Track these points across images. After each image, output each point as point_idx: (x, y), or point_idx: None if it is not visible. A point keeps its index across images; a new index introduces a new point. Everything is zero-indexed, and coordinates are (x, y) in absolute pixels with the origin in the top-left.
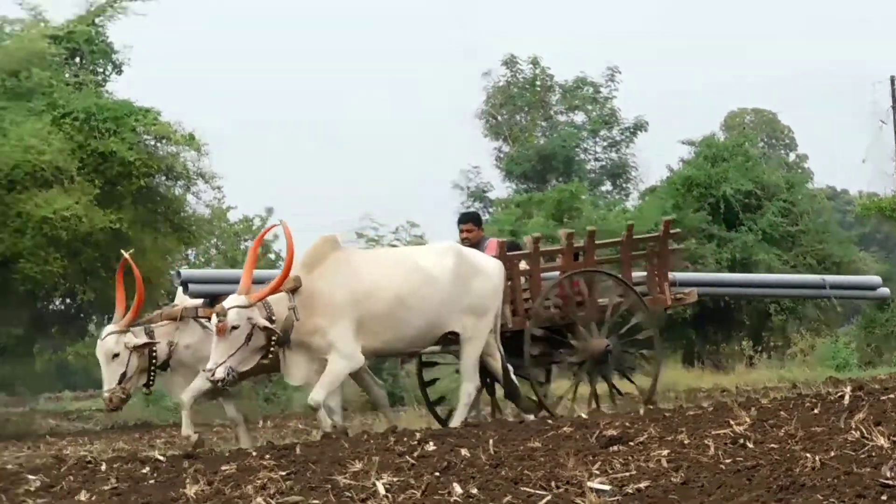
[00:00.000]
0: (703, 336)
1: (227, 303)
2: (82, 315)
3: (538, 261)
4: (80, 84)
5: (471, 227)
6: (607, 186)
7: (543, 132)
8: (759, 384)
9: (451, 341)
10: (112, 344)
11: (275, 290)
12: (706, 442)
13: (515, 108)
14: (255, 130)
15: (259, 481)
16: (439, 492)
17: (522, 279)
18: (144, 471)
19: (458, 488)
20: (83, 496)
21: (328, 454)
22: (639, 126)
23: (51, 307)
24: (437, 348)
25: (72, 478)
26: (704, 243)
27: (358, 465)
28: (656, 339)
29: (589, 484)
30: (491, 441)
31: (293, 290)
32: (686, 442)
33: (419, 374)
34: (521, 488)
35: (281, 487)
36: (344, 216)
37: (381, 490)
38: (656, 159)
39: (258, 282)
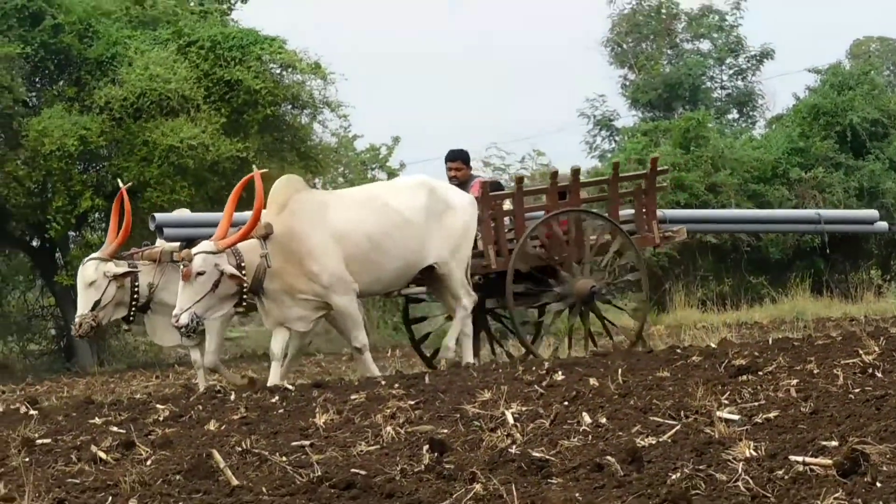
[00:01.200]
0: (832, 265)
1: (194, 249)
2: None
3: (521, 201)
4: (205, 13)
5: (459, 164)
6: (734, 115)
7: (669, 60)
8: (888, 313)
9: (434, 282)
10: (91, 271)
11: (244, 237)
12: (835, 371)
13: (641, 36)
14: (381, 60)
15: (388, 410)
16: (568, 421)
17: (507, 219)
18: (273, 400)
19: (586, 418)
20: (212, 425)
21: (457, 383)
22: (765, 54)
23: None
24: (421, 289)
25: (200, 407)
26: (832, 172)
27: (487, 395)
28: (644, 279)
29: (718, 413)
30: (619, 370)
31: (265, 237)
32: (815, 371)
33: (405, 311)
34: (650, 418)
35: (410, 416)
36: (470, 145)
37: (510, 419)
38: (783, 88)
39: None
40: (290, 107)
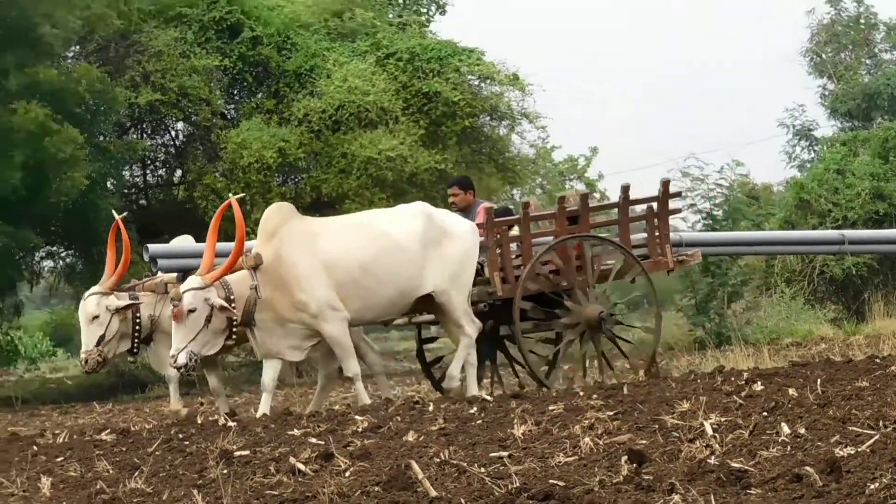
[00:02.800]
0: None
1: (182, 287)
2: None
3: (528, 226)
4: (403, 24)
5: (455, 190)
6: None
7: (868, 70)
8: None
9: (436, 311)
10: (93, 306)
11: (229, 269)
12: None
13: (840, 46)
14: (579, 71)
15: (587, 421)
16: (767, 432)
17: (514, 245)
18: (472, 411)
19: (785, 428)
20: (410, 436)
21: (655, 394)
22: None
23: None
24: (430, 317)
25: (399, 418)
26: None
27: (685, 405)
28: (656, 305)
29: None
30: (818, 381)
31: (255, 268)
32: None
33: (418, 335)
34: (849, 428)
35: (608, 427)
36: (668, 155)
37: (709, 430)
38: None
39: (224, 254)
40: (488, 118)
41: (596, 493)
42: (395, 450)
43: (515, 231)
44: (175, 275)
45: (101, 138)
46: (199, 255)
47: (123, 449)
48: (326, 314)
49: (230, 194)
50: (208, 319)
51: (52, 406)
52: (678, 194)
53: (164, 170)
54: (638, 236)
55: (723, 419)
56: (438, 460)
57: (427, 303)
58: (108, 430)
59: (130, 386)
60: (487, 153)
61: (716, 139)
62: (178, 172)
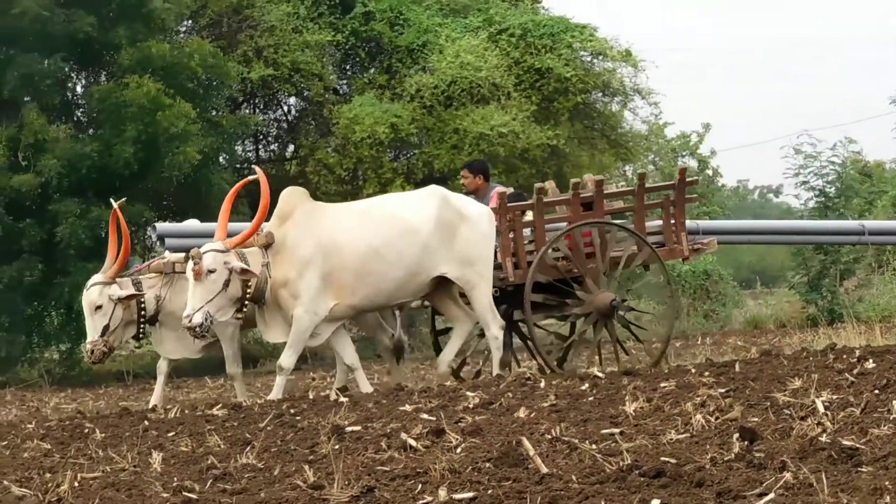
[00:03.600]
0: None
1: (204, 247)
2: None
3: (542, 212)
4: (515, 1)
5: (465, 173)
6: None
7: None
8: None
9: (440, 295)
10: (96, 295)
11: (247, 238)
12: None
13: None
14: (692, 47)
15: (698, 398)
16: (878, 409)
17: (527, 231)
18: (583, 387)
19: None
20: (522, 413)
21: (767, 371)
22: None
23: None
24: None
25: (510, 394)
26: None
27: (797, 383)
28: (670, 293)
29: None
30: None
31: (267, 247)
32: None
33: (432, 322)
34: None
35: (720, 405)
36: (781, 132)
37: (820, 408)
38: None
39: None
40: (600, 94)
41: (707, 470)
42: (506, 426)
43: (530, 216)
44: (182, 255)
45: (214, 113)
46: (206, 235)
47: (235, 424)
48: (305, 298)
49: (255, 167)
50: (226, 283)
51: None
52: (695, 182)
53: (276, 145)
54: (654, 224)
55: (834, 397)
56: (550, 437)
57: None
58: (220, 405)
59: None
60: (600, 129)
61: (829, 116)
62: (291, 147)
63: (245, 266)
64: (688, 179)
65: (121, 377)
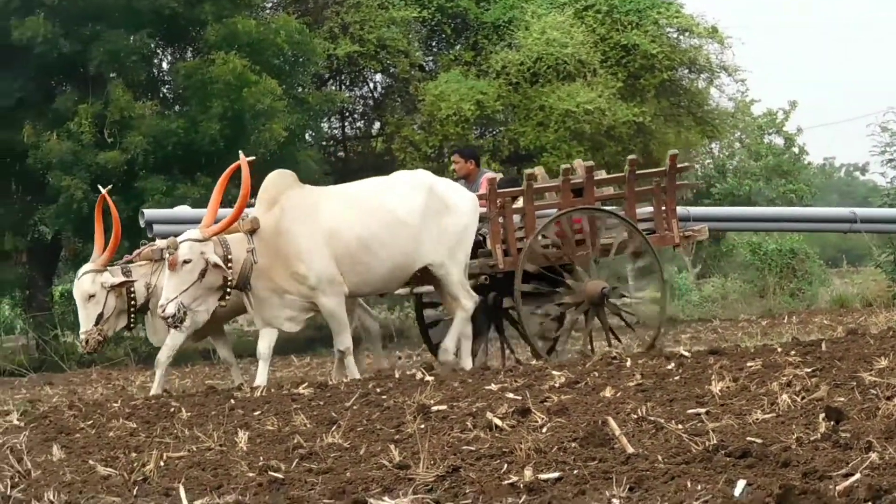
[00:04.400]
0: None
1: (181, 237)
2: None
3: (532, 198)
4: None
5: (457, 158)
6: None
7: None
8: None
9: (435, 283)
10: (88, 284)
11: (229, 225)
12: None
13: None
14: (779, 24)
15: (784, 378)
16: None
17: (517, 217)
18: (669, 367)
19: None
20: (608, 392)
21: (853, 351)
22: None
23: None
24: (430, 288)
25: (596, 374)
26: None
27: (883, 362)
28: (660, 280)
29: None
30: None
31: (252, 232)
32: None
33: (418, 314)
34: None
35: (806, 384)
36: (867, 109)
37: None
38: None
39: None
40: (686, 71)
41: (793, 450)
42: (592, 406)
43: (520, 202)
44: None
45: (300, 90)
46: (194, 221)
47: (321, 403)
48: (325, 287)
49: (241, 154)
50: (202, 273)
51: (249, 359)
52: (686, 168)
53: (362, 122)
54: (644, 210)
55: None
56: (635, 416)
57: (427, 273)
58: (306, 384)
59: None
60: (686, 106)
61: None
62: (377, 124)
63: (218, 261)
64: (678, 166)
65: (207, 356)
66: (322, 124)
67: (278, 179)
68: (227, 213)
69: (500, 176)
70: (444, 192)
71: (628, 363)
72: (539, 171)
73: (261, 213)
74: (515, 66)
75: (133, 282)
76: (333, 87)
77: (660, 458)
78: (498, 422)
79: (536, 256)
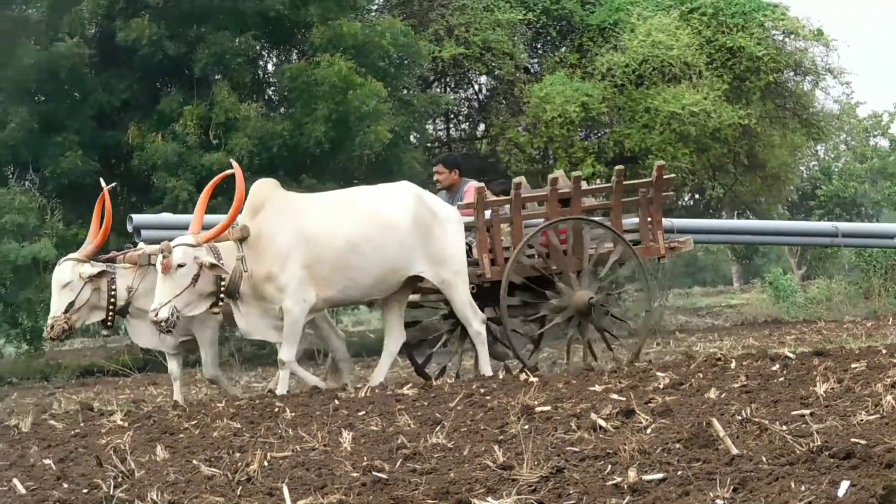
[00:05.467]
0: None
1: (174, 241)
2: (711, 210)
3: (519, 207)
4: None
5: (440, 168)
6: None
7: None
8: None
9: (428, 290)
10: (66, 272)
11: (221, 232)
12: None
13: None
14: (884, 25)
15: (889, 379)
16: None
17: (504, 226)
18: (774, 368)
19: None
20: (712, 393)
21: None
22: None
23: (680, 202)
24: (416, 297)
25: (701, 375)
26: None
27: None
28: (646, 291)
29: None
30: None
31: (241, 240)
32: None
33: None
34: None
35: None
36: None
37: None
38: None
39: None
40: (791, 73)
41: None
42: (696, 407)
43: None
44: (157, 246)
45: (405, 92)
46: (182, 227)
47: (425, 403)
48: (291, 289)
49: (232, 161)
50: (196, 278)
51: (354, 360)
52: (671, 178)
53: (467, 124)
54: (630, 221)
55: None
56: (740, 418)
57: (414, 282)
58: (410, 385)
59: (434, 341)
60: (791, 109)
61: None
62: (481, 126)
63: (214, 261)
64: (665, 177)
65: (311, 356)
66: (427, 126)
67: (263, 187)
68: (214, 219)
69: (481, 185)
70: (432, 203)
71: (732, 364)
72: (520, 179)
73: (248, 221)
74: (621, 68)
75: (114, 276)
76: (438, 90)
77: (764, 459)
78: (602, 423)
79: (523, 267)
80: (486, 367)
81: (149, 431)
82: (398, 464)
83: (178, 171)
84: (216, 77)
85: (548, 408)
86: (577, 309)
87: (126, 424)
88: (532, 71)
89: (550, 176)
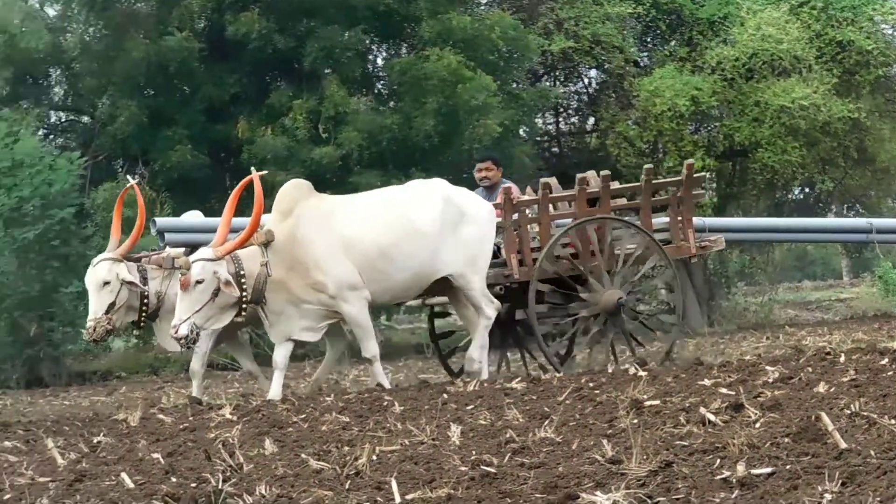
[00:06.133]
0: None
1: (193, 256)
2: (820, 204)
3: (547, 207)
4: None
5: (489, 165)
6: None
7: None
8: None
9: (452, 294)
10: (104, 272)
11: (243, 243)
12: None
13: None
14: None
15: None
16: None
17: (532, 227)
18: (883, 362)
19: None
20: (821, 387)
21: None
22: None
23: (789, 196)
24: (444, 299)
25: (810, 369)
26: None
27: None
28: (677, 290)
29: None
30: None
31: (266, 244)
32: None
33: (431, 325)
34: None
35: None
36: None
37: None
38: None
39: (237, 231)
40: None
41: None
42: (805, 401)
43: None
44: (182, 249)
45: (514, 85)
46: (207, 230)
47: (534, 397)
48: (346, 294)
49: (252, 169)
50: (215, 293)
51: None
52: (703, 177)
53: (576, 117)
54: (660, 220)
55: None
56: (849, 412)
57: (442, 284)
58: (519, 379)
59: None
60: None
61: None
62: (591, 120)
63: (229, 278)
64: (695, 175)
65: (420, 350)
66: (536, 120)
67: (293, 190)
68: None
69: (514, 185)
70: (461, 201)
71: (842, 358)
72: (552, 180)
73: (275, 225)
74: (731, 61)
75: (142, 288)
76: (548, 83)
77: (872, 453)
78: (711, 417)
79: (548, 272)
80: (475, 353)
81: (257, 425)
82: (506, 458)
83: (287, 165)
84: (326, 71)
85: (657, 402)
86: (605, 309)
87: (235, 418)
88: (641, 64)
89: (579, 175)
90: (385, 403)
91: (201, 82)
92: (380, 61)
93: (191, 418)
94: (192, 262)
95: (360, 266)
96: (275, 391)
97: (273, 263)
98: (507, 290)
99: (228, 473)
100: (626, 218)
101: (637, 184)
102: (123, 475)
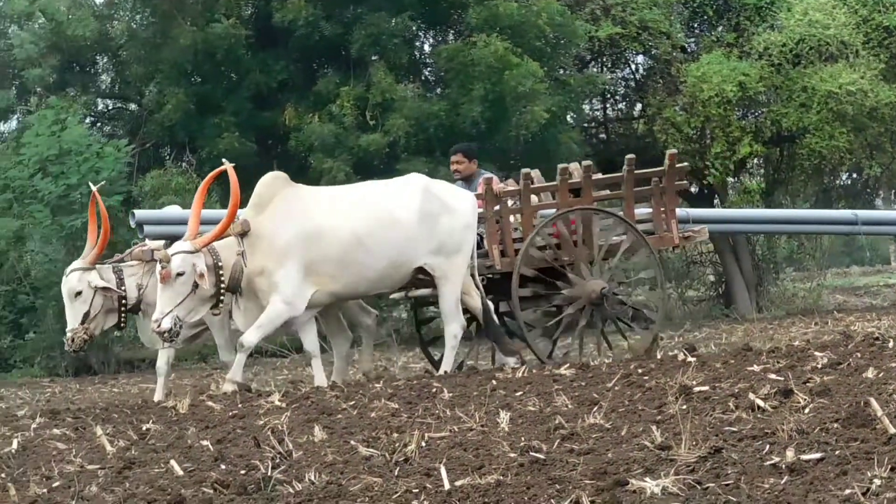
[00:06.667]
0: None
1: (171, 249)
2: (868, 190)
3: (529, 198)
4: None
5: (459, 158)
6: None
7: None
8: None
9: (432, 283)
10: (75, 282)
11: (220, 235)
12: None
13: None
14: None
15: None
16: None
17: (513, 218)
18: None
19: None
20: (870, 373)
21: None
22: None
23: (837, 182)
24: (427, 291)
25: (858, 354)
26: None
27: None
28: (659, 282)
29: None
30: None
31: (242, 234)
32: None
33: (414, 313)
34: None
35: None
36: None
37: None
38: None
39: (213, 223)
40: None
41: None
42: (854, 386)
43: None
44: (161, 242)
45: (561, 72)
46: (186, 222)
47: (583, 384)
48: (284, 290)
49: (224, 160)
50: (196, 285)
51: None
52: (684, 167)
53: (623, 104)
54: (643, 211)
55: None
56: None
57: (424, 276)
58: (568, 365)
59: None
60: None
61: None
62: (638, 106)
63: (203, 271)
64: (677, 166)
65: (468, 336)
66: (583, 106)
67: (271, 182)
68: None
69: (494, 177)
70: (441, 192)
71: (891, 344)
72: (535, 173)
73: (252, 216)
74: (778, 47)
75: (117, 292)
76: (595, 69)
77: None
78: (760, 402)
79: (533, 258)
80: (448, 367)
81: (306, 412)
82: (555, 444)
83: (334, 153)
84: (373, 58)
85: (706, 388)
86: (589, 299)
87: (284, 405)
88: (689, 50)
89: (560, 166)
90: (434, 390)
91: (248, 69)
92: (427, 48)
93: (240, 405)
94: (172, 255)
95: (333, 256)
96: (319, 378)
97: (248, 254)
98: (489, 281)
99: (278, 460)
100: (610, 209)
101: (619, 174)
102: (173, 462)
